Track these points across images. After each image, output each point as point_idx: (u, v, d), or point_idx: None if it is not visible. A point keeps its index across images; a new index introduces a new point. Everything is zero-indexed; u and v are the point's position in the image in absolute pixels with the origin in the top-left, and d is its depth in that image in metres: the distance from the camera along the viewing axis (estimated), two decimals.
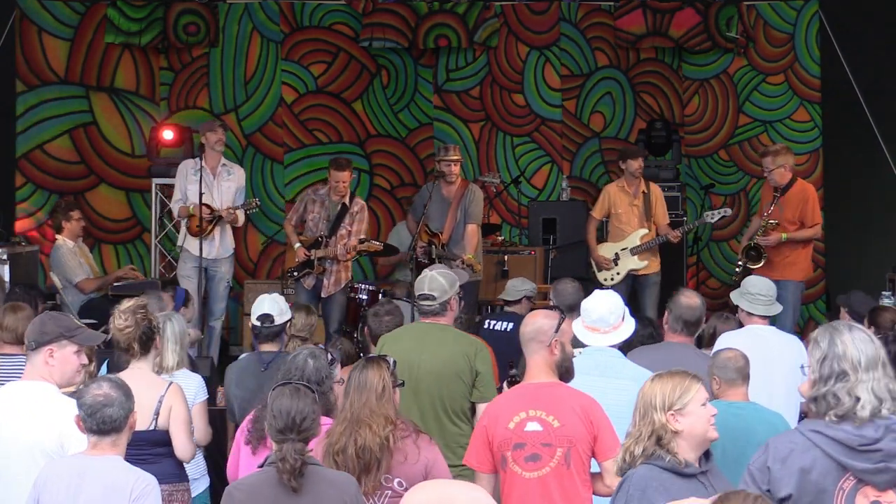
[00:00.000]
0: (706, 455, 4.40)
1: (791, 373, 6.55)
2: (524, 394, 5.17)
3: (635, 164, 10.75)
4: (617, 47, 13.01)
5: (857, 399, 3.89)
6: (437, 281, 6.26)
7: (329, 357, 5.65)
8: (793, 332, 10.20)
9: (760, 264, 10.11)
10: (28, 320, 6.88)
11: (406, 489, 4.90)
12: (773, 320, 7.46)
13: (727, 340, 6.75)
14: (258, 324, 6.92)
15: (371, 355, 5.24)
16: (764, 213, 10.32)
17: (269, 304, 6.98)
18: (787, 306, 10.13)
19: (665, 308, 6.71)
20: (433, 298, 6.24)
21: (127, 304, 6.13)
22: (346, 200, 10.36)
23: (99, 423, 4.56)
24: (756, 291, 7.08)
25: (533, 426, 5.06)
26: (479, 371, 6.11)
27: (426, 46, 12.84)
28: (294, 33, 13.00)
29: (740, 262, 10.32)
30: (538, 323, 5.22)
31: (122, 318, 5.99)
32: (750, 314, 7.07)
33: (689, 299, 6.57)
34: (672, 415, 4.34)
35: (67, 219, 10.73)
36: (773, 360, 6.61)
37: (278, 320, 6.94)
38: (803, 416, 6.93)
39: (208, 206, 10.47)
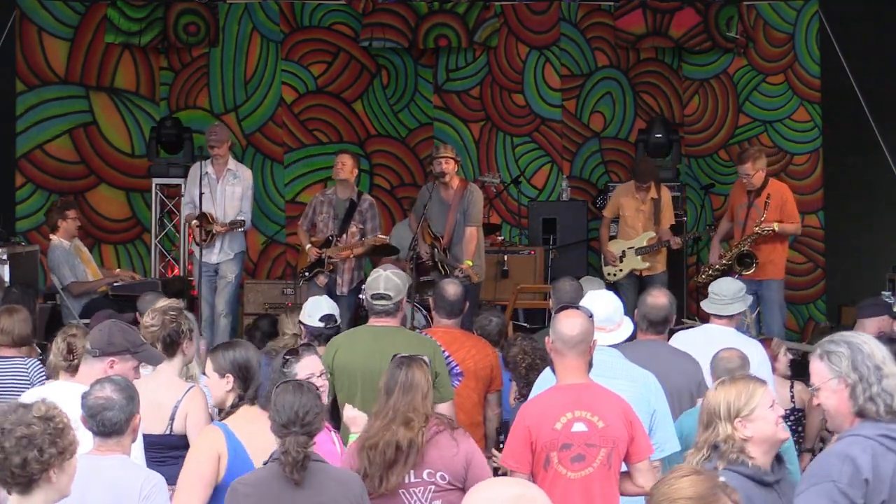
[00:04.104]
0: (779, 461, 4.37)
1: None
2: (567, 394, 5.16)
3: (640, 184, 10.90)
4: (617, 47, 13.00)
5: None
6: (392, 281, 6.21)
7: (284, 359, 5.67)
8: (783, 329, 10.28)
9: (753, 268, 10.18)
10: (25, 322, 6.88)
11: (449, 482, 4.99)
12: (759, 320, 7.44)
13: (680, 337, 6.93)
14: (321, 325, 6.88)
15: (404, 354, 5.19)
16: (750, 219, 10.30)
17: (329, 306, 7.01)
18: (773, 305, 10.26)
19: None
20: (389, 298, 6.17)
21: (161, 303, 6.14)
22: (354, 197, 10.40)
23: (98, 425, 4.56)
24: (712, 290, 7.18)
25: (579, 427, 5.07)
26: (437, 372, 6.00)
27: (426, 46, 12.84)
28: (294, 33, 13.00)
29: (722, 264, 10.36)
30: (585, 325, 5.20)
31: (150, 317, 6.00)
32: (710, 314, 7.16)
33: (655, 299, 6.60)
34: (740, 421, 4.30)
35: (63, 217, 10.70)
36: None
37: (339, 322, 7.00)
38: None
39: (208, 218, 10.49)
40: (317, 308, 6.99)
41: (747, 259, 10.29)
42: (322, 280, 10.34)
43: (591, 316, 5.30)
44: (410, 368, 5.13)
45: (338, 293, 10.28)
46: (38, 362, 6.95)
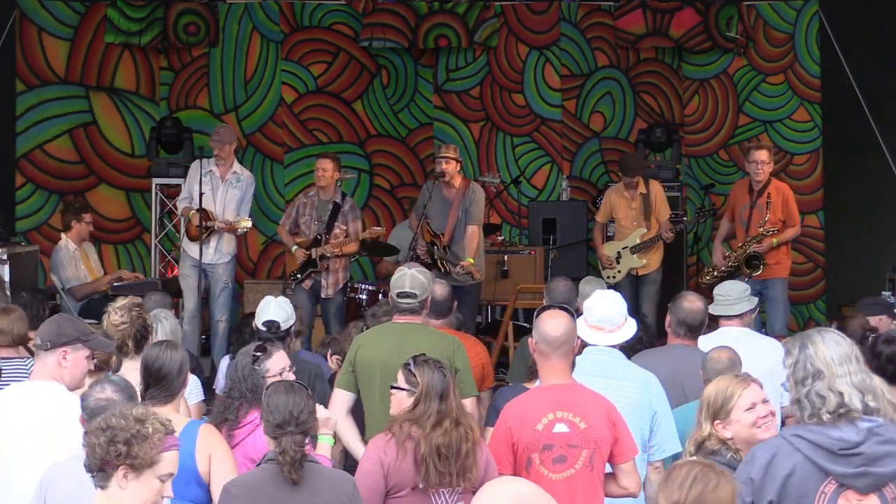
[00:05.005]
0: None
1: (764, 375, 6.59)
2: (549, 395, 5.16)
3: (628, 179, 10.93)
4: (617, 47, 13.00)
5: (841, 394, 3.86)
6: (417, 279, 6.20)
7: (254, 356, 5.66)
8: (785, 328, 10.31)
9: (761, 270, 10.17)
10: (21, 321, 6.86)
11: (472, 485, 4.96)
12: (762, 320, 7.46)
13: (700, 344, 6.84)
14: (263, 329, 6.76)
15: (427, 357, 5.18)
16: (753, 219, 10.30)
17: (276, 310, 6.83)
18: (778, 304, 10.29)
19: (666, 310, 6.74)
20: (414, 297, 6.18)
21: (122, 301, 6.11)
22: (338, 198, 10.40)
23: None
24: (717, 293, 7.16)
25: (561, 427, 5.07)
26: (457, 368, 6.04)
27: (426, 46, 12.84)
28: (294, 33, 13.00)
29: (728, 265, 10.34)
30: (568, 326, 5.21)
31: (117, 315, 5.96)
32: (718, 317, 7.13)
33: (692, 303, 6.58)
34: (719, 423, 4.38)
35: (78, 219, 10.73)
36: (744, 362, 6.61)
37: (284, 326, 6.80)
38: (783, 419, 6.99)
39: (208, 214, 10.44)
40: (264, 311, 6.84)
41: (755, 261, 10.28)
42: (307, 283, 10.32)
43: (573, 316, 5.30)
44: (445, 369, 5.13)
45: (323, 295, 10.27)
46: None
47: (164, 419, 3.77)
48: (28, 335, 7.03)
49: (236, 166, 10.78)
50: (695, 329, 6.55)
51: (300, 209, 10.52)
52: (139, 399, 4.73)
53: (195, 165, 10.73)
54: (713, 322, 7.24)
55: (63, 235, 10.74)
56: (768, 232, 10.21)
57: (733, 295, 7.09)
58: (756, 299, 7.42)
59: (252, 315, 8.68)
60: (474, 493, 4.98)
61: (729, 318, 7.07)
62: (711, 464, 3.62)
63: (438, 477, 4.94)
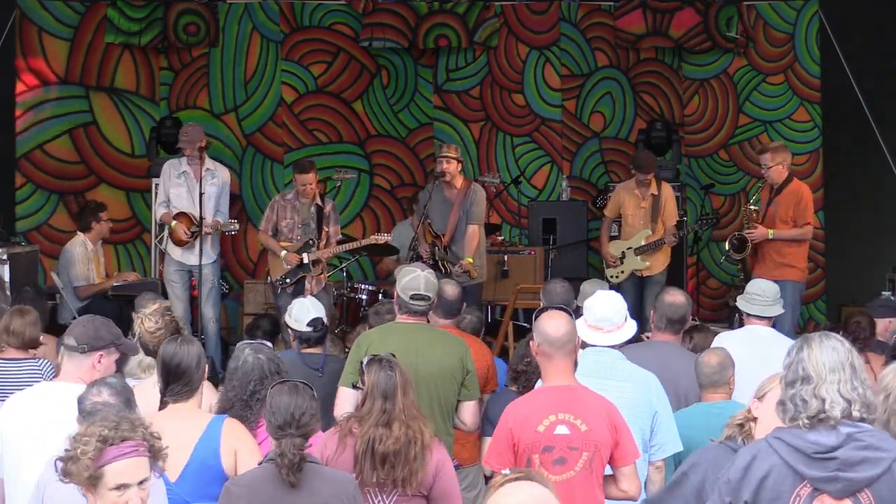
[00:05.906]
0: None
1: None
2: (552, 396, 5.16)
3: (642, 176, 10.85)
4: (617, 47, 13.01)
5: (823, 400, 3.84)
6: (431, 282, 6.26)
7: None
8: (792, 331, 10.26)
9: (745, 253, 10.12)
10: (34, 325, 6.83)
11: (415, 489, 4.98)
12: (772, 322, 7.46)
13: (724, 339, 6.85)
14: (309, 329, 6.76)
15: (380, 356, 5.19)
16: (767, 217, 10.28)
17: (314, 308, 6.85)
18: (787, 307, 10.14)
19: (652, 307, 6.78)
20: (428, 299, 6.23)
21: (152, 306, 6.11)
22: (319, 201, 10.35)
23: None
24: (753, 291, 7.13)
25: (562, 429, 5.07)
26: (468, 370, 6.13)
27: (426, 46, 12.84)
28: (294, 33, 13.00)
29: (728, 251, 10.38)
30: (569, 325, 5.22)
31: (151, 321, 5.94)
32: (748, 315, 7.11)
33: (673, 297, 6.64)
34: (756, 401, 4.49)
35: (97, 219, 10.77)
36: (770, 361, 6.61)
37: (324, 321, 6.86)
38: None
39: (190, 218, 10.39)
40: (304, 312, 6.84)
41: (736, 241, 10.24)
42: (291, 287, 10.28)
43: (572, 316, 5.30)
44: (395, 370, 5.13)
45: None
46: (50, 362, 6.91)
47: (110, 432, 3.66)
48: (39, 339, 7.00)
49: (209, 163, 10.67)
50: (674, 323, 6.59)
51: (279, 213, 10.35)
52: (135, 402, 4.70)
53: (167, 168, 10.72)
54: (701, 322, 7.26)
55: (81, 234, 10.75)
56: (749, 210, 10.12)
57: (770, 296, 7.11)
58: (782, 301, 7.40)
59: (263, 316, 8.72)
60: (425, 496, 5.02)
61: (760, 318, 7.06)
62: (531, 480, 3.36)
63: (376, 478, 4.95)
